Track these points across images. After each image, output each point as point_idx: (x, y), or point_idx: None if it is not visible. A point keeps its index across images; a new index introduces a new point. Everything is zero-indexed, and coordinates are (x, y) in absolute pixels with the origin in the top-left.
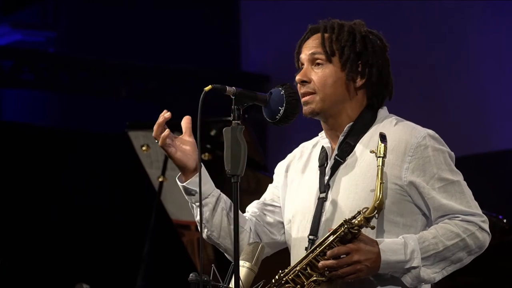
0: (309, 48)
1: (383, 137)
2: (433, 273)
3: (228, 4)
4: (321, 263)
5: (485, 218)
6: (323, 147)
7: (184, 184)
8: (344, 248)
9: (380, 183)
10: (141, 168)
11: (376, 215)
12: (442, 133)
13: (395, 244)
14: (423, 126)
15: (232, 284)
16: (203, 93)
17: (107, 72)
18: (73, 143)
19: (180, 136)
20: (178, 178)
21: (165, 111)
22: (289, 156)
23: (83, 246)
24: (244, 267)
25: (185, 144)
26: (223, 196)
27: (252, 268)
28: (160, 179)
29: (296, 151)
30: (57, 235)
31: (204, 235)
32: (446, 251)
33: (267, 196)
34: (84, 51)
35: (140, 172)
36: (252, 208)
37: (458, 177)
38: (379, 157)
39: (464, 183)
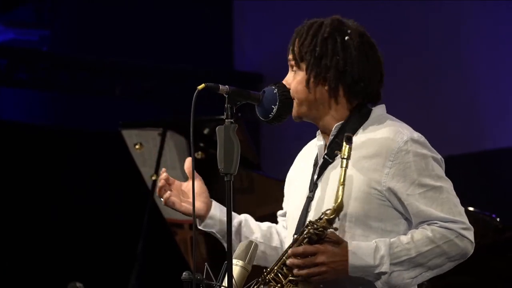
0: (289, 53)
1: (348, 139)
2: (409, 278)
3: (223, 4)
4: (289, 261)
5: (467, 225)
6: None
7: (200, 227)
8: (311, 248)
9: (341, 185)
10: (135, 166)
11: (337, 217)
12: (436, 132)
13: (366, 248)
14: (418, 125)
15: (225, 282)
16: (196, 91)
17: (103, 71)
18: (71, 142)
19: (183, 187)
20: None
21: (163, 169)
22: (298, 157)
23: (76, 245)
24: (237, 265)
25: (189, 192)
26: (244, 223)
27: (245, 267)
28: (153, 178)
29: (303, 150)
30: (49, 234)
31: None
32: (420, 257)
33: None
34: (80, 50)
35: (135, 170)
36: (279, 220)
37: (442, 182)
38: (343, 158)
39: (449, 189)
